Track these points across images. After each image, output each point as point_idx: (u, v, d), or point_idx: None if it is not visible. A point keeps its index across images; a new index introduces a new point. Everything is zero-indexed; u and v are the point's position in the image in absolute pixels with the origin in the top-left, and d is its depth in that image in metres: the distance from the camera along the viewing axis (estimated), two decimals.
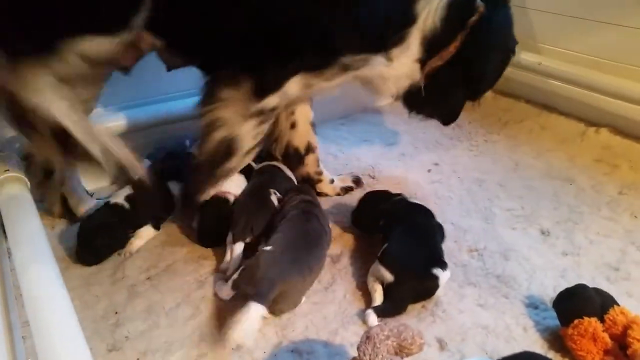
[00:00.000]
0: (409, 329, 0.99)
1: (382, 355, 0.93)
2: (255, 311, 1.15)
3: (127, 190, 1.52)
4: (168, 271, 1.43)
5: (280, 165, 1.72)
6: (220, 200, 1.52)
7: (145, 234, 1.52)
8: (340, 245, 1.53)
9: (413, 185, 1.83)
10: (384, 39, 1.35)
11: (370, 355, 0.93)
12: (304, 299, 1.30)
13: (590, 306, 1.18)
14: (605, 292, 1.24)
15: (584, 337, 1.13)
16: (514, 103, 2.38)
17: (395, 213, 1.47)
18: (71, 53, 1.15)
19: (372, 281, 1.32)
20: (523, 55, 2.22)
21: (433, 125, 2.24)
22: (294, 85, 1.36)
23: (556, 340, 1.20)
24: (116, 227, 1.47)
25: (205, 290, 1.36)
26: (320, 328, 1.24)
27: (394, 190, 1.60)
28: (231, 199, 1.53)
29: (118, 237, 1.48)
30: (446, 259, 1.35)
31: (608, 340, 1.12)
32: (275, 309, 1.24)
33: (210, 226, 1.49)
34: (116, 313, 1.28)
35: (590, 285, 1.24)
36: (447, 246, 1.50)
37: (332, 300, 1.33)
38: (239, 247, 1.41)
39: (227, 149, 1.41)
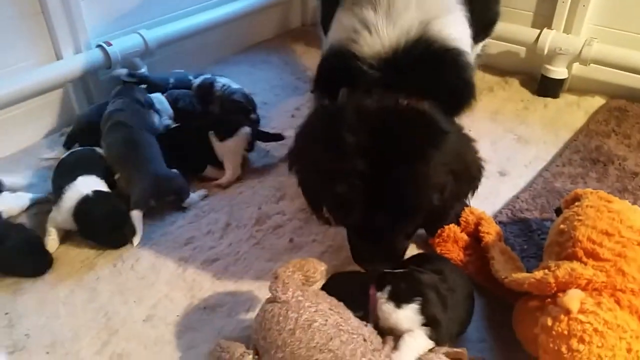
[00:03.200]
0: (309, 261, 1.10)
1: (292, 289, 1.03)
2: (136, 214, 1.40)
3: None
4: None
5: None
6: None
7: None
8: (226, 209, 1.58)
9: (280, 132, 1.90)
10: None
11: (281, 290, 1.02)
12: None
13: None
14: None
15: (448, 242, 1.35)
16: None
17: None
18: None
19: None
20: None
21: (287, 71, 2.36)
22: None
23: (428, 249, 1.40)
24: None
25: (97, 271, 1.33)
26: (225, 281, 1.31)
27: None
28: None
29: None
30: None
31: (466, 238, 1.35)
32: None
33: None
34: (6, 314, 1.21)
35: None
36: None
37: (230, 253, 1.39)
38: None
39: None
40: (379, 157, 0.99)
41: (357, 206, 1.04)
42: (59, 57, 1.83)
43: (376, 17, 1.04)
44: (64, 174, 1.47)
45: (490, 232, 1.32)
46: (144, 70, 2.02)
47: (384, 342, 1.03)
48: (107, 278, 1.31)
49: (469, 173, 1.11)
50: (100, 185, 1.44)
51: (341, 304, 1.07)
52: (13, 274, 1.31)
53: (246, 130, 1.65)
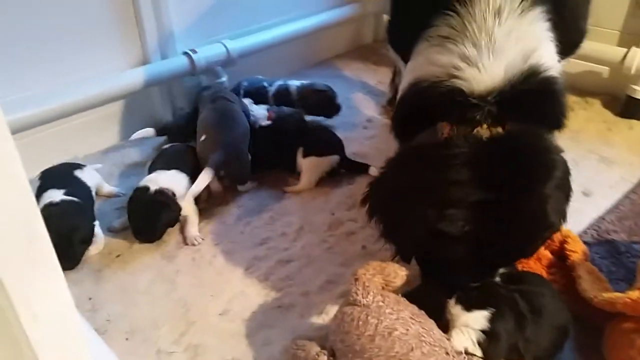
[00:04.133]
0: (390, 265, 1.08)
1: (373, 292, 1.01)
2: (206, 173, 1.50)
3: None
4: (131, 252, 1.41)
5: None
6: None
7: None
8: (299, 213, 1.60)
9: (354, 143, 1.90)
10: None
11: (362, 294, 1.00)
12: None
13: None
14: None
15: (530, 259, 1.29)
16: None
17: None
18: None
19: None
20: None
21: (358, 85, 2.37)
22: None
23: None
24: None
25: (176, 264, 1.37)
26: (298, 282, 1.31)
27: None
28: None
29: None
30: None
31: (550, 256, 1.29)
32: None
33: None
34: (90, 299, 1.26)
35: None
36: None
37: (302, 256, 1.40)
38: None
39: None
40: (499, 187, 0.96)
41: (474, 241, 0.99)
42: (147, 61, 1.93)
43: (479, 53, 1.03)
44: (159, 164, 1.57)
45: (577, 250, 1.26)
46: (224, 78, 2.09)
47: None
48: (186, 271, 1.34)
49: (569, 192, 1.06)
50: (182, 181, 1.51)
51: (423, 312, 1.03)
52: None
53: (334, 158, 1.68)
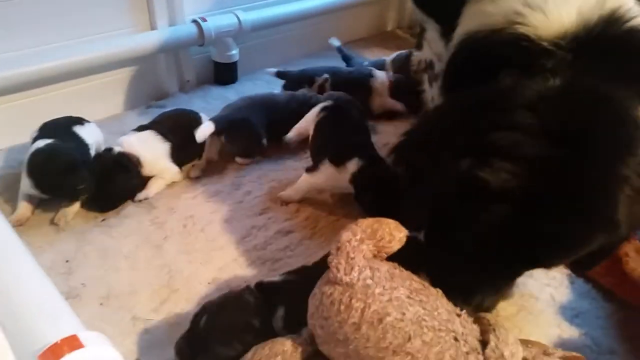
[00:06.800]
0: (384, 224, 0.86)
1: (359, 267, 0.79)
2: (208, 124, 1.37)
3: None
4: (118, 217, 1.28)
5: None
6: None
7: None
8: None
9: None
10: None
11: (344, 269, 0.79)
12: None
13: None
14: None
15: None
16: None
17: None
18: None
19: None
20: None
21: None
22: None
23: None
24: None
25: (165, 230, 1.24)
26: (299, 253, 1.17)
27: None
28: None
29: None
30: None
31: None
32: None
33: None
34: (67, 262, 1.13)
35: None
36: None
37: (306, 227, 1.26)
38: None
39: None
40: (565, 144, 0.73)
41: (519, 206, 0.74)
42: (153, 27, 1.82)
43: None
44: None
45: None
46: (235, 52, 1.97)
47: (484, 337, 0.79)
48: (176, 237, 1.21)
49: None
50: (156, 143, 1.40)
51: (426, 286, 0.82)
52: None
53: None
